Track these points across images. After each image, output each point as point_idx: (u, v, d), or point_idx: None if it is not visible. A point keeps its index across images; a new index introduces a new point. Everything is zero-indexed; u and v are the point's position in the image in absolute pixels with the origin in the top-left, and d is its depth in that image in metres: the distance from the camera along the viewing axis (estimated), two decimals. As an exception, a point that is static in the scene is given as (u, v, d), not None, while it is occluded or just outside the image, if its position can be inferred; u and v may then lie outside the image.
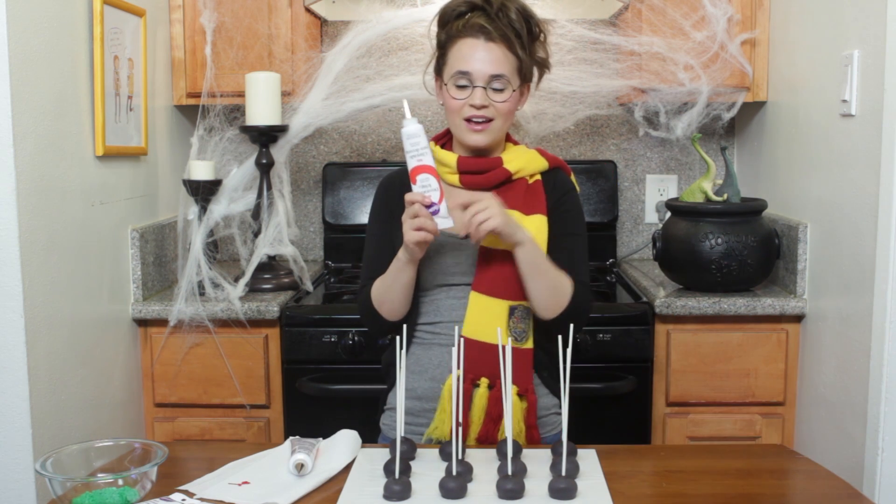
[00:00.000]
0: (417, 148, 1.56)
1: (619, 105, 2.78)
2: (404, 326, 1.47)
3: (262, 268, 2.44)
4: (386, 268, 1.66)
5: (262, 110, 2.38)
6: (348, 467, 1.45)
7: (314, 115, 2.43)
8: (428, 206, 1.54)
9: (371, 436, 1.68)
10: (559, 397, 1.63)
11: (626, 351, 2.27)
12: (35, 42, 1.83)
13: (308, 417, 2.30)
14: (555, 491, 1.31)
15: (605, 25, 2.74)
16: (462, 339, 1.61)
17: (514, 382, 1.61)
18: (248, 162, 2.46)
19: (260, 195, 2.43)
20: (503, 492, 1.30)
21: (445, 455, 1.44)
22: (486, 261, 1.65)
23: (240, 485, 1.37)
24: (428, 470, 1.41)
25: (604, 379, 2.24)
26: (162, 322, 2.30)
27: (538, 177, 1.72)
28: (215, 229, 2.40)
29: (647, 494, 1.38)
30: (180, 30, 2.55)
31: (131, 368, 2.30)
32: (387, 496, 1.31)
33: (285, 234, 2.43)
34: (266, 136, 2.42)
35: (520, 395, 1.63)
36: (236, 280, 2.37)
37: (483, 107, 1.63)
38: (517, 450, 1.43)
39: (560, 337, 1.36)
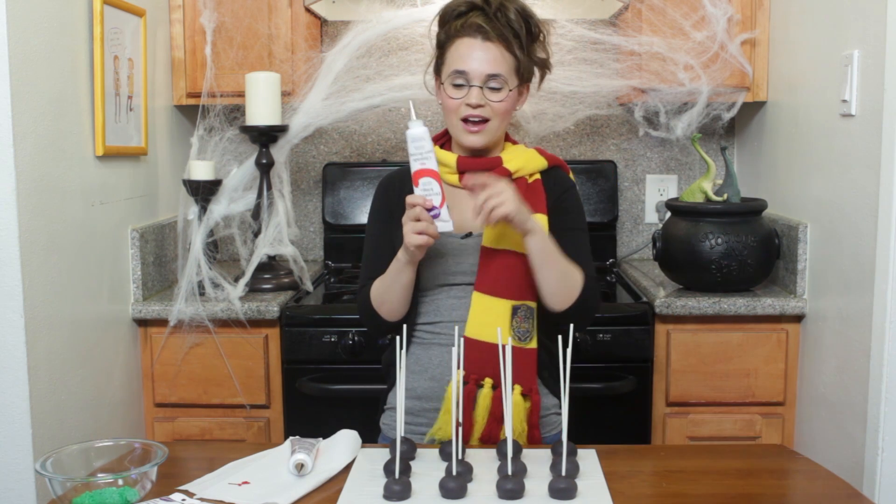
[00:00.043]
0: (422, 151, 1.55)
1: (619, 105, 2.78)
2: (404, 326, 1.46)
3: (262, 268, 2.44)
4: (385, 268, 1.66)
5: (262, 110, 2.38)
6: (348, 467, 1.45)
7: (314, 115, 2.43)
8: (429, 210, 1.54)
9: (371, 436, 1.68)
10: (559, 397, 1.63)
11: (626, 351, 2.27)
12: (35, 42, 1.83)
13: (308, 417, 2.30)
14: (555, 491, 1.31)
15: (605, 25, 2.74)
16: (463, 340, 1.61)
17: (518, 382, 1.62)
18: (248, 162, 2.46)
19: (260, 195, 2.43)
20: (503, 492, 1.30)
21: (445, 455, 1.44)
22: (488, 260, 1.65)
23: (240, 485, 1.37)
24: (428, 470, 1.41)
25: (604, 379, 2.24)
26: (162, 322, 2.30)
27: (538, 176, 1.73)
28: (215, 229, 2.40)
29: (647, 494, 1.38)
30: (180, 30, 2.55)
31: (131, 368, 2.30)
32: (387, 496, 1.31)
33: (285, 234, 2.43)
34: (266, 136, 2.42)
35: (524, 394, 1.63)
36: (236, 280, 2.37)
37: (479, 106, 1.63)
38: (517, 450, 1.43)
39: (560, 337, 1.36)
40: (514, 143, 1.79)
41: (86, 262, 2.06)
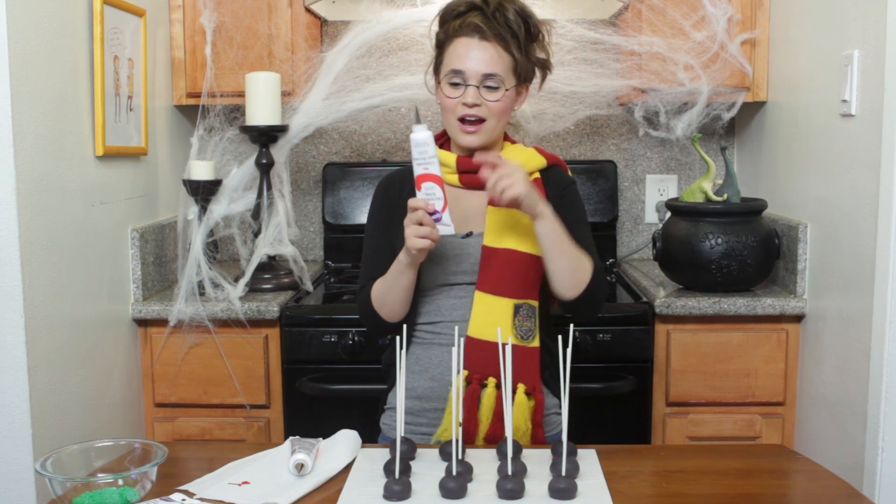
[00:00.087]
0: (425, 156, 1.55)
1: (619, 105, 2.78)
2: (404, 326, 1.46)
3: (262, 268, 2.44)
4: (385, 268, 1.67)
5: (262, 110, 2.38)
6: (348, 467, 1.45)
7: (314, 115, 2.43)
8: (431, 213, 1.54)
9: (371, 436, 1.68)
10: (559, 397, 1.63)
11: (626, 351, 2.27)
12: (35, 42, 1.83)
13: (308, 417, 2.30)
14: (555, 491, 1.31)
15: (605, 25, 2.74)
16: (465, 339, 1.62)
17: (521, 381, 1.62)
18: (248, 162, 2.46)
19: (260, 195, 2.43)
20: (503, 492, 1.30)
21: (445, 455, 1.44)
22: (489, 260, 1.65)
23: (240, 485, 1.37)
24: (428, 470, 1.41)
25: (604, 379, 2.24)
26: (162, 322, 2.30)
27: (537, 174, 1.73)
28: (215, 229, 2.40)
29: (647, 494, 1.38)
30: (180, 30, 2.55)
31: (131, 368, 2.30)
32: (387, 496, 1.31)
33: (285, 234, 2.43)
34: (266, 136, 2.42)
35: (527, 393, 1.63)
36: (236, 280, 2.37)
37: (475, 105, 1.63)
38: (517, 450, 1.43)
39: (560, 337, 1.36)
40: (513, 142, 1.79)
41: (86, 262, 2.06)
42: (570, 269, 1.60)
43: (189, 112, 2.68)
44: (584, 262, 1.62)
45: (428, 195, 1.55)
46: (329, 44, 2.73)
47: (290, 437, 1.51)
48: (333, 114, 2.43)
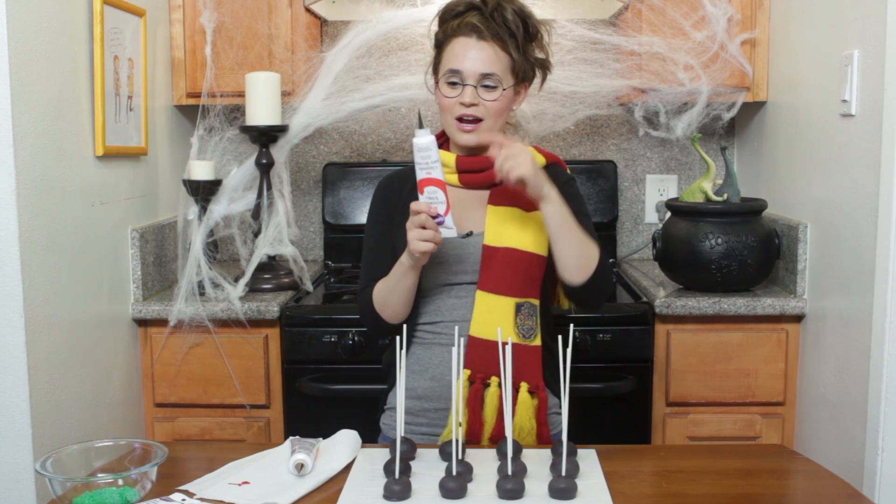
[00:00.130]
0: (428, 161, 1.55)
1: (619, 105, 2.78)
2: (404, 326, 1.46)
3: (262, 268, 2.44)
4: (385, 269, 1.67)
5: (262, 110, 2.38)
6: (348, 467, 1.45)
7: (314, 115, 2.43)
8: (434, 217, 1.55)
9: (371, 436, 1.68)
10: (559, 397, 1.63)
11: (626, 351, 2.27)
12: (35, 42, 1.83)
13: (308, 417, 2.30)
14: (555, 491, 1.31)
15: (605, 25, 2.74)
16: (467, 339, 1.62)
17: (524, 380, 1.62)
18: (248, 162, 2.46)
19: (260, 195, 2.43)
20: (503, 492, 1.30)
21: (445, 455, 1.44)
22: (489, 259, 1.65)
23: (240, 485, 1.37)
24: (428, 470, 1.41)
25: (604, 379, 2.24)
26: (162, 322, 2.30)
27: None
28: (215, 229, 2.40)
29: (647, 494, 1.38)
30: (180, 30, 2.55)
31: (131, 368, 2.30)
32: (387, 496, 1.31)
33: (285, 234, 2.43)
34: (266, 136, 2.42)
35: (530, 392, 1.63)
36: (236, 280, 2.37)
37: (473, 105, 1.63)
38: (517, 450, 1.43)
39: (560, 337, 1.36)
40: (513, 141, 1.79)
41: (86, 262, 2.06)
42: (577, 253, 1.59)
43: (189, 112, 2.68)
44: (591, 246, 1.62)
45: (430, 199, 1.55)
46: (329, 44, 2.73)
47: (290, 437, 1.51)
48: (333, 114, 2.43)
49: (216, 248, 2.40)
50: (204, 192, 2.35)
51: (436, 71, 1.72)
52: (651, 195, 2.93)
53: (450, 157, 1.70)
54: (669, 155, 2.92)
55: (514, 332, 1.62)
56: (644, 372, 2.28)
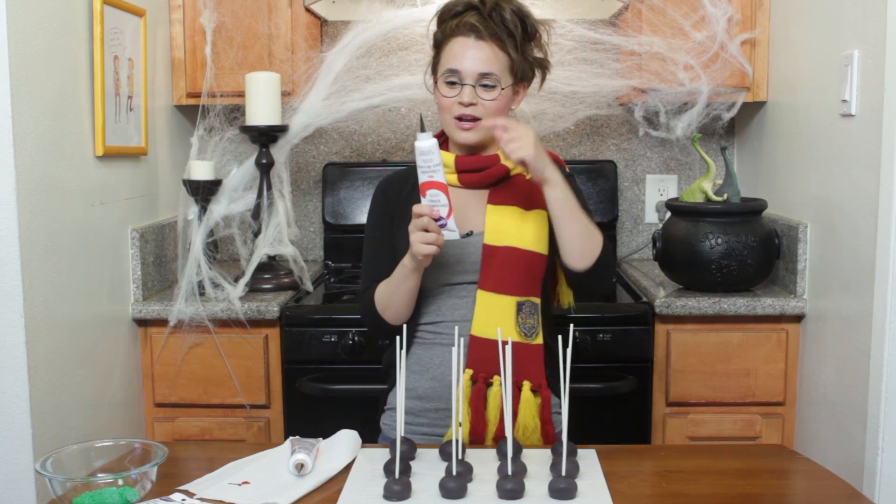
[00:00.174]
0: (430, 164, 1.55)
1: (619, 105, 2.78)
2: (404, 327, 1.46)
3: (262, 268, 2.44)
4: (386, 269, 1.67)
5: (262, 110, 2.38)
6: (348, 467, 1.45)
7: (314, 115, 2.43)
8: (436, 220, 1.55)
9: (371, 436, 1.68)
10: (559, 397, 1.63)
11: (626, 351, 2.27)
12: (35, 42, 1.83)
13: (308, 417, 2.30)
14: (555, 491, 1.31)
15: (605, 25, 2.74)
16: (469, 338, 1.62)
17: (526, 378, 1.62)
18: (248, 162, 2.46)
19: (260, 195, 2.43)
20: (503, 492, 1.30)
21: (445, 455, 1.44)
22: (490, 258, 1.65)
23: (240, 485, 1.37)
24: (428, 470, 1.41)
25: (604, 379, 2.24)
26: (162, 322, 2.30)
27: None
28: (215, 229, 2.40)
29: (647, 494, 1.38)
30: (180, 30, 2.55)
31: (131, 368, 2.30)
32: (387, 496, 1.31)
33: (285, 234, 2.43)
34: (266, 136, 2.42)
35: (533, 390, 1.63)
36: (236, 280, 2.37)
37: (471, 104, 1.64)
38: (517, 450, 1.43)
39: (560, 337, 1.37)
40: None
41: (86, 262, 2.06)
42: (581, 237, 1.60)
43: (189, 112, 2.68)
44: (595, 231, 1.62)
45: (433, 202, 1.55)
46: (329, 44, 2.73)
47: (290, 437, 1.51)
48: (333, 114, 2.43)
49: (216, 248, 2.40)
50: (204, 192, 2.36)
51: (434, 71, 1.72)
52: (651, 195, 2.93)
53: (449, 157, 1.70)
54: (669, 155, 2.92)
55: (516, 330, 1.62)
56: (644, 372, 2.28)
